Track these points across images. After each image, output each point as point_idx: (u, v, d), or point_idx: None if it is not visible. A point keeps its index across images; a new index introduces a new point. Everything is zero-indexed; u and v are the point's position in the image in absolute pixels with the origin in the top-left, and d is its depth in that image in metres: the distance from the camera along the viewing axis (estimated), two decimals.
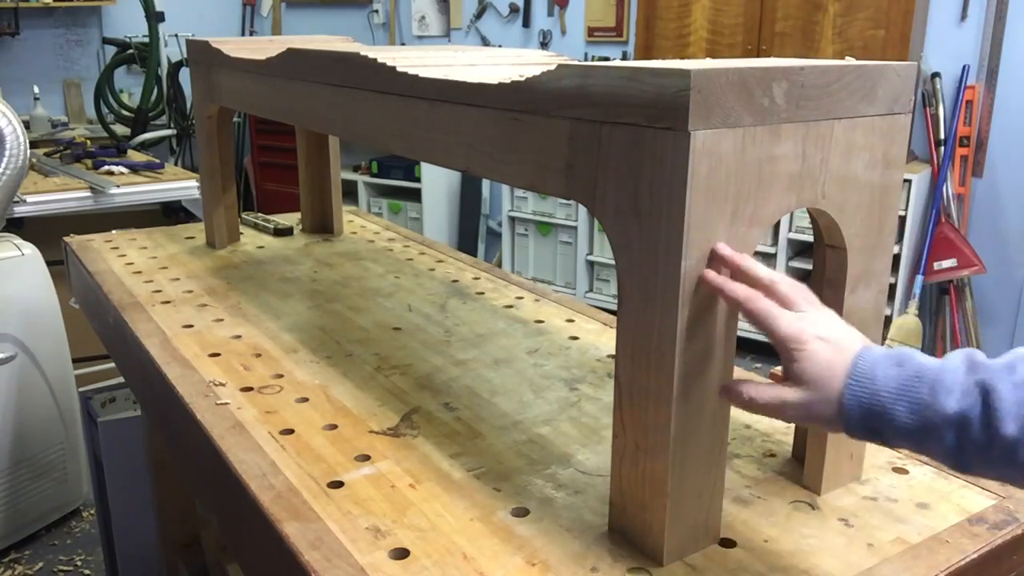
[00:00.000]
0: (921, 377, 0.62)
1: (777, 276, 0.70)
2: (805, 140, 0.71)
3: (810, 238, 3.78)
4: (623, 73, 0.67)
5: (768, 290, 0.69)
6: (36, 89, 4.88)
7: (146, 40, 4.94)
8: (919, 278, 3.54)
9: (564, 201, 4.43)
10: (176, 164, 4.95)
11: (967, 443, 0.60)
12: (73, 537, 2.50)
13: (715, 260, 0.68)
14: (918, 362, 0.63)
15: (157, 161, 3.29)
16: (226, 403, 1.02)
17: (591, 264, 4.52)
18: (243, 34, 6.11)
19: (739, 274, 0.69)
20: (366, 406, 1.03)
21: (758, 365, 3.86)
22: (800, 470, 0.87)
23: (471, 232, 5.18)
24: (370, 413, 1.01)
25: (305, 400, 1.04)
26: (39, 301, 2.33)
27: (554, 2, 4.86)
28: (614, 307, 0.78)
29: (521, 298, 1.45)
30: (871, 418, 0.63)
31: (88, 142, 3.53)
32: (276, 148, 5.41)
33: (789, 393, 0.66)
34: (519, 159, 0.80)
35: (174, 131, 5.05)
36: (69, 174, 3.03)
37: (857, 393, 0.63)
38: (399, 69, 0.95)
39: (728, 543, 0.76)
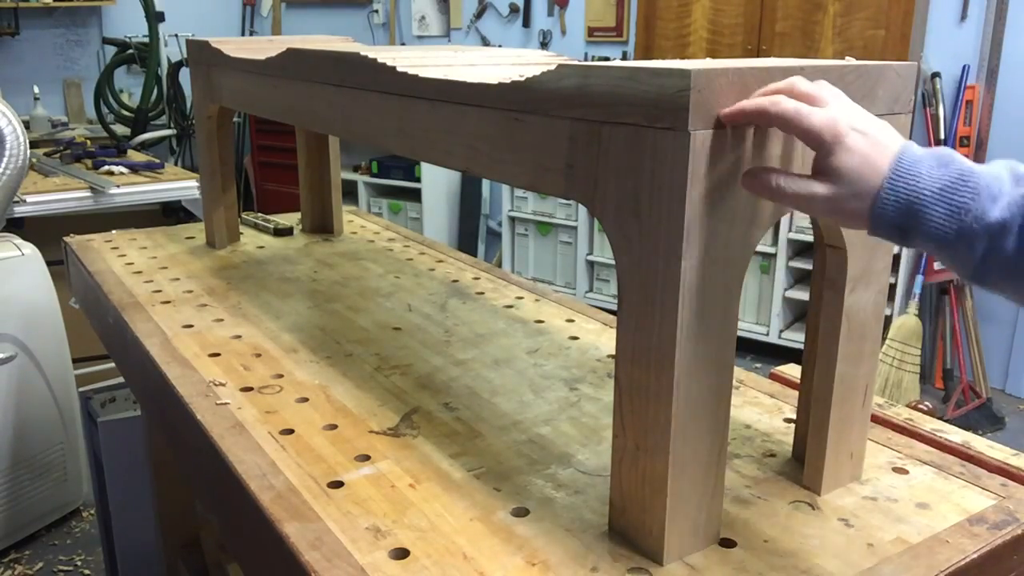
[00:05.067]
0: (966, 181, 0.60)
1: (794, 78, 0.67)
2: None
3: (810, 238, 3.78)
4: (623, 73, 0.67)
5: (788, 94, 0.66)
6: (36, 89, 4.88)
7: (146, 40, 4.94)
8: (919, 278, 3.54)
9: (564, 201, 4.43)
10: (176, 164, 4.96)
11: (996, 254, 0.59)
12: (73, 537, 2.50)
13: (730, 120, 0.65)
14: (962, 164, 0.61)
15: (157, 161, 3.29)
16: (226, 403, 1.02)
17: (591, 264, 4.52)
18: (243, 34, 6.11)
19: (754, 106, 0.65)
20: (366, 406, 1.03)
21: (758, 365, 3.86)
22: (800, 470, 0.87)
23: (471, 232, 5.18)
24: (370, 413, 1.01)
25: (305, 400, 1.04)
26: (39, 301, 2.33)
27: (554, 2, 4.86)
28: (614, 307, 0.78)
29: (521, 298, 1.45)
30: (905, 217, 0.61)
31: (88, 142, 3.53)
32: (276, 148, 5.41)
33: (820, 187, 0.64)
34: (519, 159, 0.80)
35: (174, 131, 5.05)
36: (69, 174, 3.03)
37: (898, 190, 0.61)
38: (399, 69, 0.95)
39: (728, 543, 0.76)
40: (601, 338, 1.27)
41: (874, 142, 0.64)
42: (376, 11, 5.75)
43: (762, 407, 1.04)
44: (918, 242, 0.62)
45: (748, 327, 3.95)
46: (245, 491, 0.84)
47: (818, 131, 0.64)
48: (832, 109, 0.65)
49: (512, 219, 4.75)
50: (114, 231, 1.84)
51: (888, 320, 3.58)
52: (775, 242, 3.83)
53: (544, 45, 4.93)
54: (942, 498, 0.84)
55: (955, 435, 0.96)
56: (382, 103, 1.01)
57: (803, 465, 0.87)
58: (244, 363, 1.15)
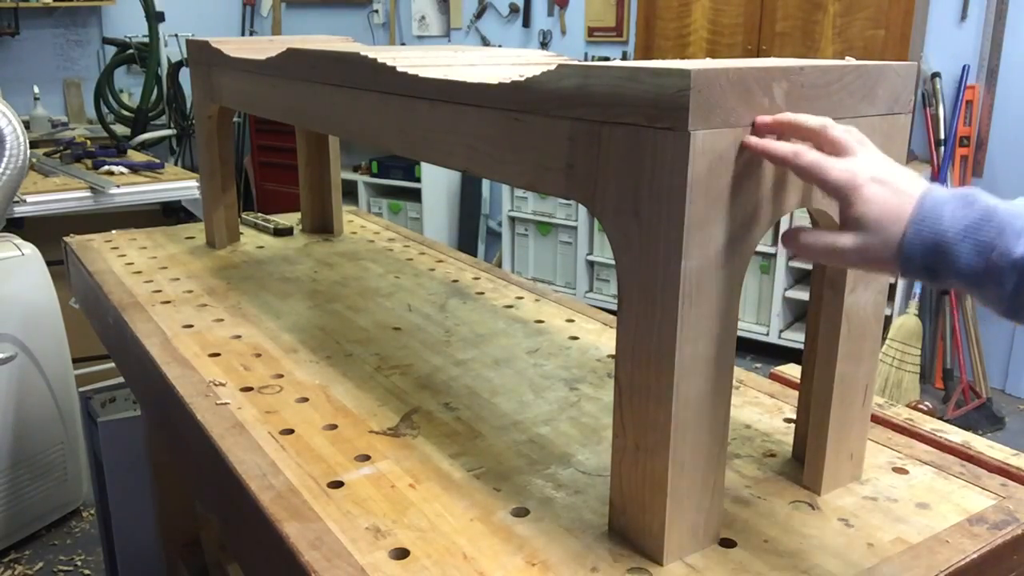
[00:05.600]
0: (990, 219, 0.61)
1: (828, 120, 0.68)
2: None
3: None
4: (623, 73, 0.67)
5: (818, 136, 0.68)
6: (36, 89, 4.88)
7: (146, 40, 4.94)
8: None
9: (564, 201, 4.43)
10: (176, 164, 4.96)
11: None
12: (73, 537, 2.50)
13: (760, 132, 0.67)
14: (986, 203, 0.63)
15: (157, 161, 3.29)
16: (226, 403, 1.02)
17: (591, 264, 4.51)
18: (243, 34, 6.11)
19: (787, 129, 0.68)
20: (366, 406, 1.03)
21: (758, 365, 3.86)
22: (800, 470, 0.87)
23: (471, 232, 5.18)
24: (370, 413, 1.01)
25: (305, 400, 1.04)
26: (39, 301, 2.33)
27: (554, 2, 4.86)
28: (614, 307, 0.78)
29: (521, 298, 1.45)
30: (932, 257, 0.62)
31: (88, 142, 3.53)
32: (276, 148, 5.41)
33: (845, 239, 0.66)
34: (519, 159, 0.80)
35: (174, 131, 5.04)
36: (69, 174, 3.03)
37: (922, 232, 0.62)
38: (399, 69, 0.95)
39: (728, 543, 0.76)
40: (601, 338, 1.27)
41: (895, 190, 0.65)
42: (376, 11, 5.75)
43: (762, 407, 1.04)
44: (949, 282, 0.63)
45: (748, 327, 3.95)
46: (245, 491, 0.84)
47: (836, 185, 0.66)
48: (853, 161, 0.66)
49: (512, 219, 4.75)
50: (114, 231, 1.84)
51: (888, 320, 3.57)
52: (775, 242, 3.83)
53: (544, 45, 4.93)
54: (942, 498, 0.84)
55: (955, 435, 0.96)
56: (382, 103, 1.01)
57: (803, 465, 0.87)
58: (244, 363, 1.15)
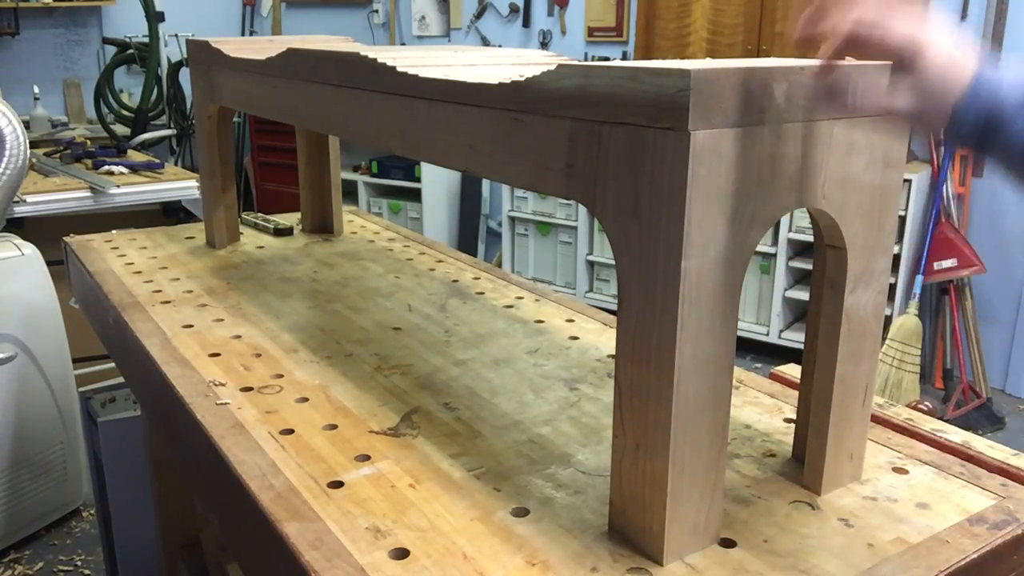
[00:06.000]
0: None
1: (856, 9, 0.68)
2: (805, 140, 0.71)
3: (810, 238, 3.78)
4: (623, 73, 0.67)
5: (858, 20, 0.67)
6: (36, 89, 4.88)
7: (146, 40, 4.94)
8: (919, 278, 3.54)
9: (564, 201, 4.43)
10: (176, 164, 4.95)
11: None
12: (73, 537, 2.50)
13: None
14: None
15: (157, 161, 3.29)
16: (226, 403, 1.02)
17: (591, 264, 4.52)
18: (243, 34, 6.11)
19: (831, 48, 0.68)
20: (366, 406, 1.03)
21: (758, 365, 3.86)
22: (800, 470, 0.87)
23: (471, 232, 5.18)
24: (370, 413, 1.01)
25: (305, 400, 1.04)
26: (39, 301, 2.33)
27: (554, 2, 4.86)
28: (614, 307, 0.78)
29: (521, 298, 1.45)
30: (986, 123, 0.63)
31: (88, 142, 3.53)
32: (276, 148, 5.41)
33: (902, 99, 0.66)
34: (519, 159, 0.80)
35: (174, 131, 5.04)
36: (69, 174, 3.03)
37: (979, 98, 0.63)
38: (399, 69, 0.95)
39: (728, 543, 0.76)
40: (601, 338, 1.27)
41: (953, 55, 0.65)
42: (376, 11, 5.75)
43: (762, 407, 1.04)
44: (996, 152, 0.63)
45: (748, 327, 3.95)
46: (245, 491, 0.84)
47: (898, 47, 0.66)
48: (910, 23, 0.66)
49: (512, 219, 4.75)
50: (114, 231, 1.84)
51: (888, 320, 3.58)
52: (775, 242, 3.83)
53: (544, 45, 4.93)
54: (942, 498, 0.84)
55: (955, 435, 0.96)
56: (382, 103, 1.01)
57: (803, 465, 0.87)
58: (244, 363, 1.15)
